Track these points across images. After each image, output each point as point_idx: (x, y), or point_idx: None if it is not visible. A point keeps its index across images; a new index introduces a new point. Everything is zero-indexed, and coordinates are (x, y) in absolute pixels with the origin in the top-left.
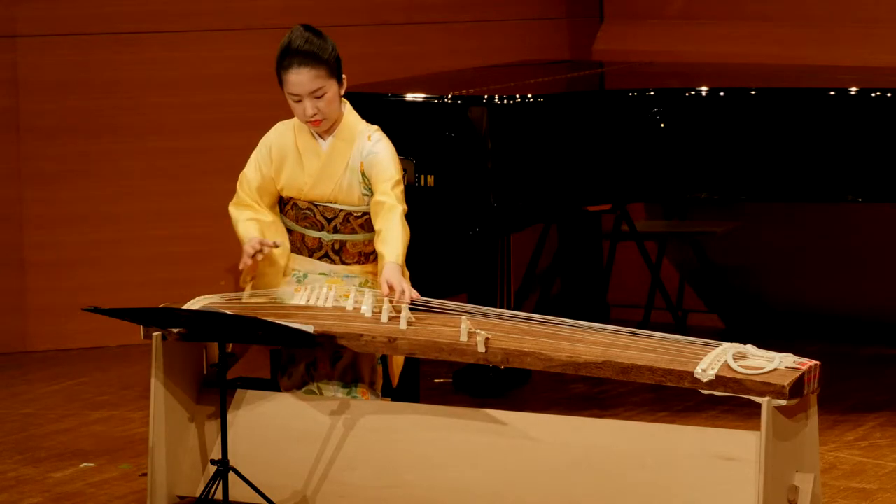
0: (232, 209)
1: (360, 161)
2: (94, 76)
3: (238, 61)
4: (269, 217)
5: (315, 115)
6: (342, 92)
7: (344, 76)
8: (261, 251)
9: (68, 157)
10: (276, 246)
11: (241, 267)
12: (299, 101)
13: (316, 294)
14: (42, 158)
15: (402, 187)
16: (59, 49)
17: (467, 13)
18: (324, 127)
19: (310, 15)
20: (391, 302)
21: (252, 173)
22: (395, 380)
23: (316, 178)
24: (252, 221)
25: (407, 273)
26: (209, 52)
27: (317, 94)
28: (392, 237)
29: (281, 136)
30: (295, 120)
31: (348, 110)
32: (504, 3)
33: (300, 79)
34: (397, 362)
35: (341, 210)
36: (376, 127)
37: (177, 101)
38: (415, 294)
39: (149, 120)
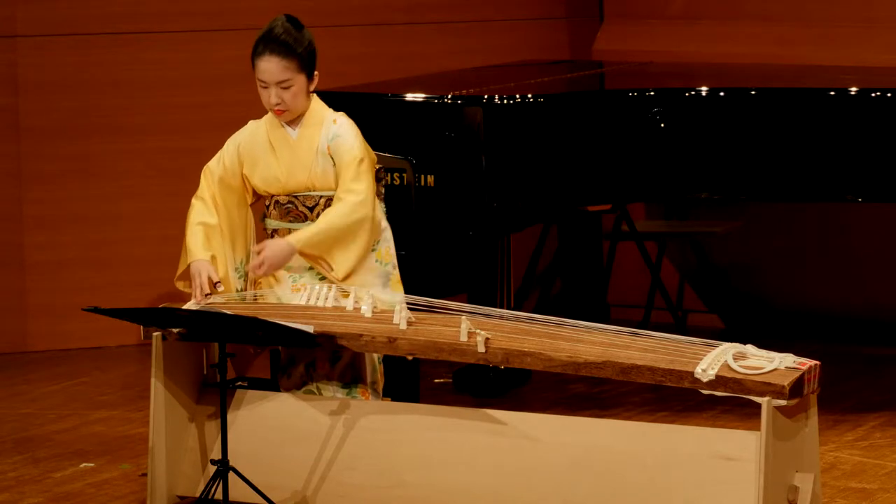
0: (193, 201)
1: (328, 145)
2: (94, 76)
3: (238, 61)
4: (215, 219)
5: (279, 104)
6: (312, 87)
7: (316, 73)
8: (210, 292)
9: (68, 157)
10: (219, 290)
11: (193, 297)
12: (266, 87)
13: (316, 294)
14: (42, 158)
15: (364, 165)
16: (59, 49)
17: (467, 13)
18: (286, 118)
19: (310, 15)
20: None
21: (215, 165)
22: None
23: (290, 166)
24: (199, 227)
25: (327, 257)
26: (209, 52)
27: (283, 85)
28: (314, 224)
29: (251, 135)
30: (267, 116)
31: (314, 100)
32: (504, 3)
33: (269, 66)
34: None
35: (321, 196)
36: (341, 112)
37: (177, 101)
38: (261, 272)
39: (149, 120)
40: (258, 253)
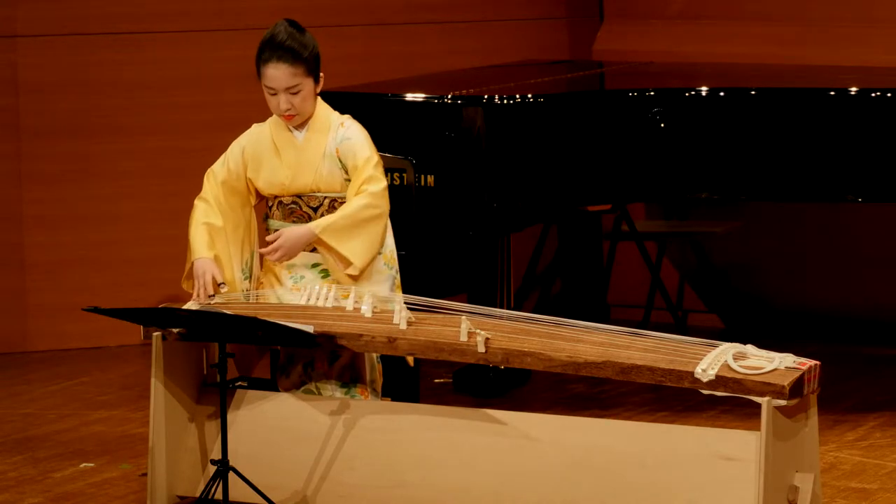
0: (196, 202)
1: (336, 147)
2: (94, 76)
3: (238, 61)
4: (220, 221)
5: (288, 110)
6: (318, 89)
7: (322, 74)
8: (214, 293)
9: (68, 157)
10: (223, 290)
11: (195, 297)
12: (274, 94)
13: (315, 294)
14: (42, 158)
15: (378, 166)
16: (59, 49)
17: (467, 13)
18: (296, 122)
19: (310, 15)
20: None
21: (219, 168)
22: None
23: (295, 168)
24: (203, 227)
25: (336, 248)
26: (209, 52)
27: (292, 91)
28: (334, 214)
29: (256, 138)
30: (271, 119)
31: (319, 103)
32: (504, 3)
33: (277, 73)
34: None
35: (326, 197)
36: (347, 115)
37: (176, 101)
38: (275, 257)
39: (149, 120)
40: (274, 240)
